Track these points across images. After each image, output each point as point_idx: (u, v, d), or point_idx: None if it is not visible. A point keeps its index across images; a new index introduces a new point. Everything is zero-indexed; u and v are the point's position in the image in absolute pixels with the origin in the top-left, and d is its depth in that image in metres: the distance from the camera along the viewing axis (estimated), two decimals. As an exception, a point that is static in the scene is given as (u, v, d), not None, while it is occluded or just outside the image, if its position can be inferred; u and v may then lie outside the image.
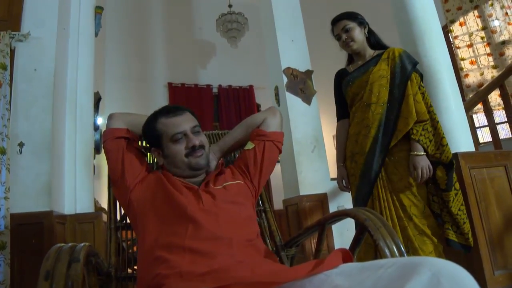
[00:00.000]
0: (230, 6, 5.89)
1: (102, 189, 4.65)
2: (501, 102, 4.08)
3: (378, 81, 1.79)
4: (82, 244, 0.76)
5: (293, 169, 3.47)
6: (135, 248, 1.45)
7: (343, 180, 1.89)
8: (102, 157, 5.10)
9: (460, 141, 2.05)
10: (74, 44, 3.04)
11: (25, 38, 2.42)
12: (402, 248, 0.78)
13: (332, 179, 3.89)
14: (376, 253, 1.62)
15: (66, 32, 2.95)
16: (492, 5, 4.61)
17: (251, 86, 7.11)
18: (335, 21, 1.91)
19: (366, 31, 1.90)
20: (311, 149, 3.68)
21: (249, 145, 1.24)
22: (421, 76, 1.83)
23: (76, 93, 3.01)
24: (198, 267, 0.85)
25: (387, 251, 0.76)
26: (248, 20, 5.97)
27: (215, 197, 1.07)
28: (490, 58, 4.51)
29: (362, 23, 1.89)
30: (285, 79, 3.81)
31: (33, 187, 2.25)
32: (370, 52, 1.91)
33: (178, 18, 6.84)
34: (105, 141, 1.22)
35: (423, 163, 1.65)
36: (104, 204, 4.38)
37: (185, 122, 1.17)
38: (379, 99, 1.77)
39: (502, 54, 4.49)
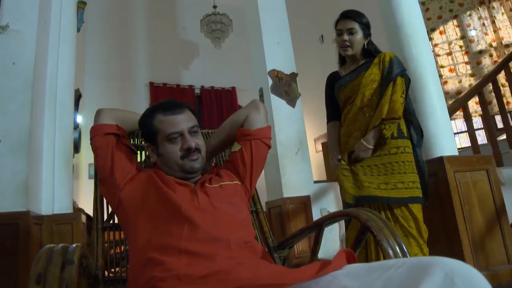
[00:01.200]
0: (214, 7, 5.86)
1: (80, 189, 4.52)
2: (478, 109, 4.22)
3: (370, 85, 1.81)
4: (74, 245, 0.72)
5: (276, 171, 3.46)
6: (118, 250, 1.40)
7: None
8: (81, 157, 4.95)
9: (444, 145, 2.10)
10: (55, 39, 2.94)
11: (3, 30, 2.31)
12: (405, 248, 0.78)
13: (316, 181, 3.91)
14: (367, 253, 1.66)
15: (47, 26, 2.84)
16: (470, 15, 4.77)
17: (233, 88, 7.09)
18: (345, 17, 1.87)
19: (366, 42, 1.88)
20: (295, 151, 3.69)
21: (236, 147, 1.21)
22: (409, 82, 1.85)
23: (56, 90, 2.90)
24: (196, 269, 0.81)
25: (390, 251, 0.76)
26: (232, 22, 5.95)
27: (211, 196, 1.03)
28: (468, 67, 4.66)
29: (367, 34, 1.87)
30: (270, 81, 3.81)
31: (9, 186, 2.15)
32: (363, 58, 1.92)
33: (161, 17, 6.75)
34: (93, 138, 1.17)
35: (364, 155, 1.74)
36: (82, 205, 4.25)
37: (183, 121, 1.11)
38: (371, 103, 1.79)
39: (479, 63, 4.64)
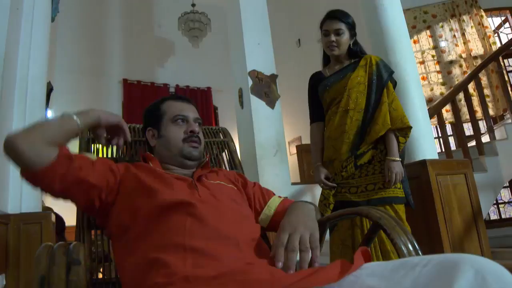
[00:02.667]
0: (193, 5, 5.78)
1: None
2: (447, 117, 4.39)
3: (356, 87, 1.81)
4: (73, 243, 0.65)
5: (255, 172, 3.43)
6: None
7: (323, 179, 1.85)
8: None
9: (426, 149, 2.15)
10: (28, 27, 2.77)
11: (-28, 14, 2.16)
12: (416, 246, 0.78)
13: (293, 183, 3.92)
14: (353, 241, 1.66)
15: (19, 13, 2.68)
16: (442, 26, 4.96)
17: (209, 88, 7.02)
18: (332, 17, 1.86)
19: (352, 42, 1.89)
20: (273, 153, 3.68)
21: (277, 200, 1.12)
22: (395, 84, 1.88)
23: (27, 82, 2.73)
24: (206, 270, 0.73)
25: (404, 249, 0.75)
26: (210, 21, 5.89)
27: (212, 189, 0.98)
28: (439, 76, 4.84)
29: (353, 34, 1.88)
30: (250, 82, 3.78)
31: (-25, 182, 2.00)
32: (347, 59, 1.93)
33: (137, 13, 6.58)
34: (51, 186, 0.84)
35: (398, 169, 1.69)
36: (49, 203, 4.02)
37: (191, 110, 1.14)
38: (357, 105, 1.79)
39: (449, 72, 4.84)
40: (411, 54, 2.34)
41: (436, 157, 2.20)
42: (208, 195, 0.95)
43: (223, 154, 1.51)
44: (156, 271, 0.75)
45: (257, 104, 3.76)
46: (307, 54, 6.97)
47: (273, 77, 4.01)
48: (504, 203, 4.45)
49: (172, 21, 6.06)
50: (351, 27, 1.87)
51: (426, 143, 2.17)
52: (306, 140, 7.11)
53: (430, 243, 1.98)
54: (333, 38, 1.84)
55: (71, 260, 0.54)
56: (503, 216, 4.76)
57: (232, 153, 1.50)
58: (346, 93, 1.82)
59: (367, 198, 1.70)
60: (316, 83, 1.98)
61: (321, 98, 1.94)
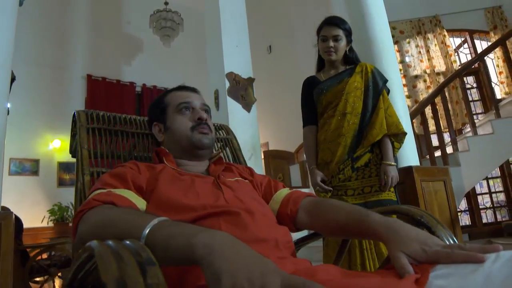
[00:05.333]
0: (166, 3, 5.64)
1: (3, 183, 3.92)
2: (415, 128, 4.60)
3: (354, 92, 1.84)
4: (129, 241, 0.54)
5: (230, 176, 3.38)
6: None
7: (320, 182, 1.84)
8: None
9: (409, 156, 2.22)
10: (-6, 9, 2.54)
11: None
12: (457, 242, 0.78)
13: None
14: (351, 258, 1.66)
15: (-15, -7, 2.45)
16: (409, 42, 5.22)
17: (177, 90, 6.86)
18: (331, 24, 1.88)
19: (348, 48, 1.92)
20: (249, 156, 3.64)
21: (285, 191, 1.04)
22: (388, 92, 1.93)
23: (-10, 67, 2.50)
24: None
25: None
26: (183, 21, 5.77)
27: (235, 190, 0.91)
28: (405, 89, 5.06)
29: (349, 41, 1.91)
30: (227, 84, 3.74)
31: None
32: (343, 64, 1.95)
33: (105, 6, 6.30)
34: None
35: (394, 173, 1.72)
36: (4, 202, 3.69)
37: (196, 97, 1.07)
38: (354, 110, 1.82)
39: (414, 86, 5.09)
40: (395, 64, 2.43)
41: (417, 163, 2.28)
42: (233, 198, 0.88)
43: (226, 151, 1.45)
44: (197, 276, 0.68)
45: (233, 107, 3.71)
46: (277, 61, 7.05)
47: (250, 80, 3.99)
48: (461, 211, 4.71)
49: (142, 18, 5.88)
50: (348, 34, 1.90)
51: (409, 150, 2.24)
52: (273, 146, 7.15)
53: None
54: (331, 43, 1.86)
55: (143, 260, 0.45)
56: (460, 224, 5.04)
57: (236, 151, 1.45)
58: (344, 97, 1.84)
59: (364, 201, 1.72)
60: (310, 87, 1.98)
61: (316, 101, 1.94)
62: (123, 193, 0.82)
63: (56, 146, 5.47)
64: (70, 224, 5.10)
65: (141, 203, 0.83)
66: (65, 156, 5.39)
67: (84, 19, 6.05)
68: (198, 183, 0.89)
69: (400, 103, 2.33)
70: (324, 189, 1.78)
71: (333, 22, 1.89)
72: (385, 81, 1.89)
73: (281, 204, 0.98)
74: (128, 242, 0.52)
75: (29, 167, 5.24)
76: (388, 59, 2.36)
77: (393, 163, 1.73)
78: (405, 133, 1.79)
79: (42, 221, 4.91)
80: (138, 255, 0.47)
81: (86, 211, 0.74)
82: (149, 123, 1.14)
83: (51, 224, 4.94)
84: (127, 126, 1.26)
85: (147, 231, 0.59)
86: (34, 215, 4.96)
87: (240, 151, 1.46)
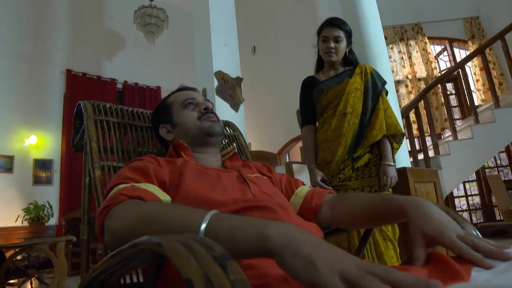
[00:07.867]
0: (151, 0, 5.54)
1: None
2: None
3: (354, 93, 1.86)
4: (192, 235, 0.50)
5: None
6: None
7: (320, 182, 1.84)
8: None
9: (401, 157, 2.26)
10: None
11: None
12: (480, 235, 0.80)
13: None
14: (364, 242, 1.66)
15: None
16: (392, 48, 5.35)
17: (158, 87, 6.77)
18: (332, 25, 1.89)
19: (348, 50, 1.94)
20: (235, 157, 3.63)
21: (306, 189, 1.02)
22: (387, 94, 1.97)
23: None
24: None
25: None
26: (168, 18, 5.69)
27: (260, 185, 0.89)
28: (388, 93, 5.18)
29: (349, 42, 1.94)
30: (215, 83, 3.71)
31: None
32: (342, 65, 1.97)
33: (87, 0, 6.12)
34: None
35: (393, 173, 1.75)
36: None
37: (198, 95, 1.10)
38: (354, 110, 1.84)
39: (397, 91, 5.21)
40: (388, 67, 2.47)
41: (409, 165, 2.33)
42: (260, 192, 0.86)
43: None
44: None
45: (221, 106, 3.68)
46: (261, 62, 7.06)
47: (239, 80, 3.97)
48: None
49: (125, 14, 5.76)
50: (349, 35, 1.92)
51: (402, 152, 2.29)
52: (256, 147, 7.15)
53: (406, 248, 2.06)
54: (332, 44, 1.88)
55: (218, 255, 0.42)
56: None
57: (244, 148, 1.43)
58: (344, 98, 1.86)
59: None
60: (309, 87, 1.99)
61: (316, 101, 1.95)
62: (147, 187, 0.78)
63: (32, 143, 5.25)
64: (47, 224, 4.91)
65: (166, 198, 0.80)
66: (42, 153, 5.19)
67: (65, 12, 5.85)
68: (223, 177, 0.87)
69: (393, 105, 2.37)
70: (324, 188, 1.79)
71: (334, 23, 1.91)
72: (384, 83, 1.93)
73: (304, 198, 0.97)
74: (191, 236, 0.48)
75: (3, 164, 5.00)
76: (382, 63, 2.40)
77: (392, 164, 1.77)
78: (404, 134, 1.83)
79: (17, 220, 4.71)
80: (211, 249, 0.43)
81: (113, 206, 0.71)
82: (155, 129, 1.12)
83: (25, 223, 4.74)
84: (135, 120, 1.22)
85: (205, 224, 0.56)
86: (7, 214, 4.75)
87: (247, 148, 1.44)
